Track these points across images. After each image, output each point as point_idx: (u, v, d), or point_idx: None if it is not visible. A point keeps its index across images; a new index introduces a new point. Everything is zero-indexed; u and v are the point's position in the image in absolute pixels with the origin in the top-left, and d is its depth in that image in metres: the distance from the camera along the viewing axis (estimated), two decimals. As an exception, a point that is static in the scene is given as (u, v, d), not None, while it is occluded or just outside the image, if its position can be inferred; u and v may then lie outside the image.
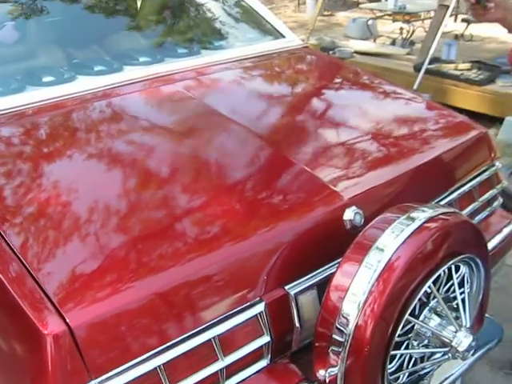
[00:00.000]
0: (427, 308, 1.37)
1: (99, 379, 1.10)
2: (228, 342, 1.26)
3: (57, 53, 2.15)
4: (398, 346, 1.33)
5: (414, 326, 1.36)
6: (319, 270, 1.42)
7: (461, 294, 1.44)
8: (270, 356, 1.35)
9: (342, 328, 1.24)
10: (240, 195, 1.49)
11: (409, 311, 1.28)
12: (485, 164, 1.92)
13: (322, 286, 1.33)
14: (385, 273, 1.23)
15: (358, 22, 6.69)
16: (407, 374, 1.44)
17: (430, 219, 1.31)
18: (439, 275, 1.35)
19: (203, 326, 1.23)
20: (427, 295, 1.37)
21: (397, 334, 1.28)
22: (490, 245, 1.84)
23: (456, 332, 1.34)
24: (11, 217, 1.36)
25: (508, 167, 3.36)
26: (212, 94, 2.03)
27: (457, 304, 1.42)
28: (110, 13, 2.54)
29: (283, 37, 2.49)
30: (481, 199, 1.89)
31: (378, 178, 1.61)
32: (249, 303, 1.30)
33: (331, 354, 1.27)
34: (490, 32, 5.81)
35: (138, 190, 1.49)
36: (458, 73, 4.60)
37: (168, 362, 1.17)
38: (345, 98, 2.16)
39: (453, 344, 1.33)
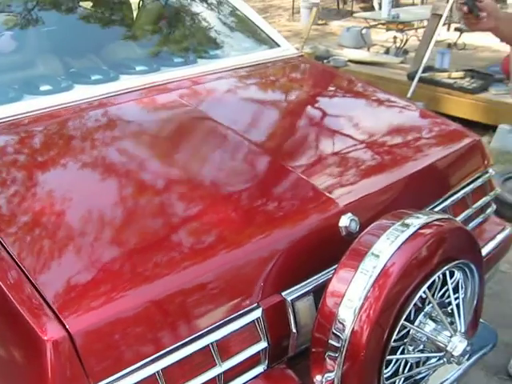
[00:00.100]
0: (422, 313, 1.39)
1: (98, 385, 1.11)
2: (226, 348, 1.28)
3: (54, 62, 2.17)
4: (393, 350, 1.35)
5: (409, 331, 1.37)
6: (315, 277, 1.43)
7: (455, 299, 1.46)
8: (267, 361, 1.36)
9: (338, 333, 1.25)
10: (236, 203, 1.51)
11: (404, 316, 1.29)
12: (478, 171, 1.95)
13: (319, 292, 1.35)
14: (380, 279, 1.25)
15: (352, 31, 6.73)
16: (403, 378, 1.45)
17: (425, 225, 1.33)
18: (434, 281, 1.37)
19: (201, 332, 1.24)
20: (422, 300, 1.39)
21: (392, 339, 1.29)
22: (484, 251, 1.85)
23: (451, 337, 1.35)
24: (10, 225, 1.36)
25: (501, 174, 3.39)
26: (208, 103, 2.05)
27: (452, 309, 1.44)
28: (106, 22, 2.56)
29: (278, 46, 2.51)
30: (474, 206, 1.91)
31: (372, 185, 1.63)
32: (246, 309, 1.31)
33: (328, 359, 1.28)
34: (482, 41, 5.86)
35: (134, 199, 1.50)
36: (451, 81, 4.64)
37: (167, 367, 1.18)
38: (339, 107, 2.18)
39: (448, 349, 1.35)
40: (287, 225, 1.45)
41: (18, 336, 1.16)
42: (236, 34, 2.64)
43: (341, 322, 1.25)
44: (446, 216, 1.48)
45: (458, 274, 1.48)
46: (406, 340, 1.38)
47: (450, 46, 6.21)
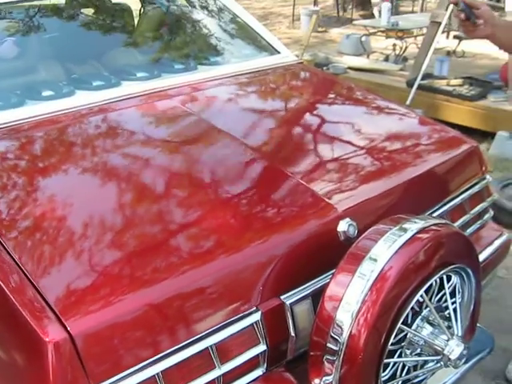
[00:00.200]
0: (420, 317, 1.40)
1: (99, 386, 1.12)
2: (225, 351, 1.29)
3: (56, 68, 2.19)
4: (391, 354, 1.36)
5: (406, 334, 1.39)
6: (314, 281, 1.44)
7: (452, 303, 1.47)
8: (265, 364, 1.37)
9: (336, 337, 1.26)
10: (236, 208, 1.52)
11: (401, 320, 1.31)
12: (476, 177, 1.96)
13: (317, 296, 1.36)
14: (378, 282, 1.26)
15: (352, 39, 6.76)
16: (401, 382, 1.46)
17: (422, 230, 1.35)
18: (431, 285, 1.39)
19: (200, 335, 1.25)
20: (420, 304, 1.40)
21: (390, 343, 1.30)
22: (482, 256, 1.87)
23: (448, 340, 1.37)
24: (13, 229, 1.38)
25: (500, 181, 3.40)
26: (208, 109, 2.07)
27: (449, 313, 1.45)
28: (108, 29, 2.59)
29: (278, 53, 2.54)
30: (472, 212, 1.93)
31: (371, 190, 1.64)
32: (245, 313, 1.32)
33: (326, 362, 1.29)
34: (481, 48, 5.88)
35: (135, 204, 1.52)
36: (450, 88, 4.66)
37: (166, 369, 1.20)
38: (339, 114, 2.20)
39: (445, 352, 1.36)
40: (286, 230, 1.47)
41: (21, 338, 1.17)
42: (236, 40, 2.67)
43: (339, 326, 1.26)
44: (443, 221, 1.49)
45: (454, 279, 1.49)
46: (403, 343, 1.39)
47: (449, 53, 6.23)
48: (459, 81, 4.73)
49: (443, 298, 1.48)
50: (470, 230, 1.92)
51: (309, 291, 1.42)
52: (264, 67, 2.41)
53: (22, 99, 1.94)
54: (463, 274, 1.48)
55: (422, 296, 1.35)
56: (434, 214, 1.76)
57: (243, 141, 1.80)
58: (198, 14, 2.73)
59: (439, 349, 1.37)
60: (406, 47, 6.24)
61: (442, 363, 1.39)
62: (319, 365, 1.31)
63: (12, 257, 1.27)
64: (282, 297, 1.38)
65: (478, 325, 1.64)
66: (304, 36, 6.98)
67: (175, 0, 2.83)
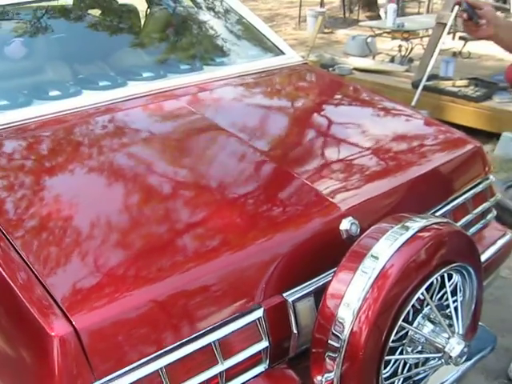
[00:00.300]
0: (421, 315, 1.41)
1: (103, 380, 1.14)
2: (227, 347, 1.31)
3: (63, 68, 2.22)
4: (392, 351, 1.37)
5: (408, 332, 1.40)
6: (316, 278, 1.46)
7: (454, 302, 1.49)
8: (268, 361, 1.39)
9: (337, 334, 1.28)
10: (241, 207, 1.54)
11: (402, 317, 1.32)
12: (479, 177, 1.97)
13: (319, 294, 1.37)
14: (379, 280, 1.27)
15: (358, 40, 6.78)
16: (402, 379, 1.47)
17: (423, 228, 1.36)
18: (432, 283, 1.40)
19: (203, 331, 1.27)
20: (421, 302, 1.41)
21: (391, 340, 1.32)
22: (485, 256, 1.89)
23: (449, 338, 1.38)
24: (20, 227, 1.40)
25: (504, 182, 3.41)
26: (213, 109, 2.08)
27: (450, 311, 1.46)
28: (114, 30, 2.61)
29: (283, 53, 2.55)
30: (475, 211, 1.94)
31: (374, 190, 1.65)
32: (248, 309, 1.34)
33: (327, 359, 1.30)
34: (487, 50, 5.88)
35: (140, 203, 1.54)
36: (455, 89, 4.67)
37: (169, 364, 1.22)
38: (343, 114, 2.21)
39: (446, 350, 1.37)
40: (289, 228, 1.48)
41: (28, 333, 1.19)
42: (241, 41, 2.69)
43: (340, 323, 1.28)
44: (445, 220, 1.50)
45: (456, 277, 1.51)
46: (404, 341, 1.40)
47: (455, 54, 6.24)
48: (465, 82, 4.74)
49: (445, 297, 1.49)
50: (472, 230, 1.93)
51: (311, 289, 1.44)
52: (269, 68, 2.43)
53: (29, 99, 1.96)
54: (464, 272, 1.49)
55: (423, 294, 1.36)
56: (437, 214, 1.77)
57: (248, 141, 1.81)
58: (204, 15, 2.75)
59: (440, 346, 1.38)
60: (412, 48, 6.25)
61: (442, 361, 1.40)
62: (321, 362, 1.32)
63: (20, 255, 1.29)
64: (284, 294, 1.40)
65: (480, 324, 1.65)
66: (310, 37, 7.00)
67: (181, 1, 2.85)
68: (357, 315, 1.26)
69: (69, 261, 1.31)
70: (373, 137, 1.95)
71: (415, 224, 1.37)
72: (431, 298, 1.43)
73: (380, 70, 5.57)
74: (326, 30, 9.39)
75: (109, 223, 1.45)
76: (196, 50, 2.55)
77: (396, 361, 1.45)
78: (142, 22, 2.79)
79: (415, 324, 1.41)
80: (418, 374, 1.50)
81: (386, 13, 7.01)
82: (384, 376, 1.40)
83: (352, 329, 1.26)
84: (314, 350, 1.34)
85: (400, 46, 6.36)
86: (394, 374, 1.45)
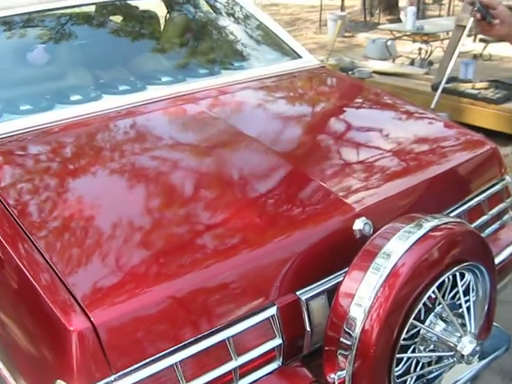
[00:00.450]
0: (433, 313, 1.42)
1: (119, 373, 1.18)
2: (241, 343, 1.34)
3: (84, 73, 2.27)
4: (404, 349, 1.39)
5: (420, 330, 1.41)
6: (330, 277, 1.48)
7: (466, 301, 1.49)
8: (281, 358, 1.41)
9: (349, 331, 1.30)
10: (257, 208, 1.56)
11: (413, 315, 1.33)
12: (495, 178, 1.97)
13: (332, 293, 1.39)
14: (390, 278, 1.29)
15: (378, 43, 6.78)
16: (415, 377, 1.48)
17: (435, 228, 1.38)
18: (444, 281, 1.41)
19: (217, 328, 1.30)
20: (433, 301, 1.43)
21: (402, 338, 1.33)
22: (501, 257, 1.89)
23: (461, 337, 1.39)
24: (43, 229, 1.45)
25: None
26: (231, 112, 2.12)
27: (463, 311, 1.47)
28: (134, 36, 2.67)
29: (300, 57, 2.58)
30: (491, 212, 1.94)
31: (387, 191, 1.67)
32: (261, 307, 1.37)
33: (339, 356, 1.33)
34: (508, 52, 5.84)
35: (160, 203, 1.58)
36: (475, 92, 4.65)
37: (184, 359, 1.25)
38: (357, 116, 2.23)
39: (457, 348, 1.38)
40: (304, 228, 1.51)
41: (49, 328, 1.24)
42: (258, 45, 2.71)
43: (352, 321, 1.30)
44: (457, 219, 1.52)
45: (468, 277, 1.51)
46: (416, 339, 1.42)
47: (475, 56, 6.21)
48: (484, 84, 4.71)
49: (457, 296, 1.50)
50: (488, 231, 1.93)
51: (324, 287, 1.46)
52: (286, 72, 2.46)
53: (51, 103, 2.02)
54: (477, 272, 1.50)
55: (434, 293, 1.37)
56: (452, 214, 1.77)
57: (265, 143, 1.84)
58: (221, 20, 2.80)
59: (452, 345, 1.39)
60: (432, 51, 6.22)
61: (454, 359, 1.41)
62: (334, 359, 1.34)
63: (41, 253, 1.34)
64: (297, 292, 1.42)
65: (495, 324, 1.65)
66: (329, 41, 7.01)
67: (199, 7, 2.90)
68: (368, 313, 1.28)
69: (88, 259, 1.35)
70: (387, 139, 1.96)
71: (427, 223, 1.39)
72: (443, 296, 1.45)
73: (399, 73, 5.56)
74: (346, 34, 9.40)
75: (128, 223, 1.48)
76: (214, 55, 2.59)
77: (408, 359, 1.46)
78: (161, 27, 2.84)
79: (427, 323, 1.42)
80: (430, 372, 1.51)
81: (406, 16, 7.01)
82: (396, 374, 1.42)
83: (363, 326, 1.28)
84: (326, 348, 1.36)
85: (420, 49, 6.35)
86: (407, 372, 1.46)
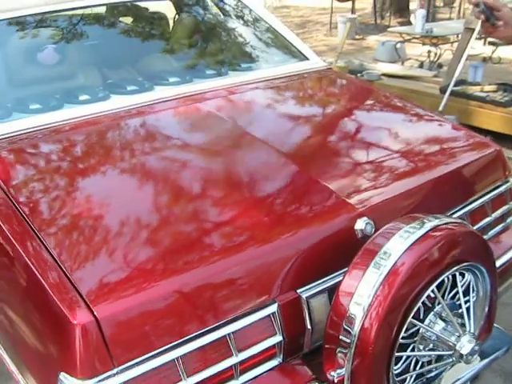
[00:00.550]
0: (432, 313, 1.44)
1: (122, 367, 1.20)
2: (242, 340, 1.36)
3: (92, 74, 2.31)
4: (403, 348, 1.40)
5: (419, 329, 1.43)
6: (331, 276, 1.50)
7: (466, 301, 1.51)
8: (282, 355, 1.43)
9: (348, 329, 1.31)
10: (261, 208, 1.58)
11: (412, 314, 1.35)
12: (498, 180, 1.98)
13: (333, 291, 1.40)
14: (390, 277, 1.31)
15: (387, 46, 6.79)
16: (414, 376, 1.50)
17: (435, 228, 1.39)
18: (443, 281, 1.42)
19: (218, 324, 1.32)
20: (432, 300, 1.44)
21: (400, 336, 1.34)
22: (504, 259, 1.90)
23: (460, 336, 1.40)
24: (51, 226, 1.48)
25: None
26: (237, 112, 2.15)
27: (462, 311, 1.48)
28: (142, 37, 2.70)
29: (307, 59, 2.60)
30: (494, 214, 1.94)
31: (390, 191, 1.68)
32: (262, 304, 1.39)
33: (339, 354, 1.34)
34: (519, 55, 5.84)
35: (167, 201, 1.60)
36: (483, 94, 4.64)
37: (185, 354, 1.27)
38: (361, 117, 2.24)
39: (456, 348, 1.39)
40: (306, 227, 1.52)
41: (53, 322, 1.26)
42: (265, 47, 2.73)
43: (351, 319, 1.31)
44: (458, 220, 1.53)
45: (468, 277, 1.52)
46: (415, 338, 1.43)
47: (485, 59, 6.19)
48: (493, 87, 4.70)
49: (457, 296, 1.51)
50: (492, 233, 1.94)
51: (325, 286, 1.47)
52: (293, 73, 2.48)
53: (60, 103, 2.05)
54: (477, 272, 1.51)
55: (433, 291, 1.38)
56: (455, 215, 1.78)
57: (270, 143, 1.86)
58: (229, 22, 2.82)
59: (451, 344, 1.40)
60: (441, 54, 6.22)
61: (453, 358, 1.42)
62: (333, 357, 1.35)
63: (48, 249, 1.37)
64: (298, 290, 1.44)
65: (496, 325, 1.66)
66: (339, 43, 7.02)
67: (208, 9, 2.92)
68: (367, 311, 1.29)
69: (94, 256, 1.38)
70: (392, 140, 1.98)
71: (427, 223, 1.40)
72: (443, 296, 1.46)
73: (408, 76, 5.57)
74: (357, 37, 9.41)
75: (135, 221, 1.50)
76: (221, 56, 2.62)
77: (408, 357, 1.47)
78: (170, 28, 2.87)
79: (427, 322, 1.43)
80: (430, 371, 1.52)
81: (416, 18, 7.00)
82: (396, 372, 1.43)
83: (363, 324, 1.29)
84: (326, 346, 1.38)
85: (429, 52, 6.34)
86: (406, 370, 1.47)
